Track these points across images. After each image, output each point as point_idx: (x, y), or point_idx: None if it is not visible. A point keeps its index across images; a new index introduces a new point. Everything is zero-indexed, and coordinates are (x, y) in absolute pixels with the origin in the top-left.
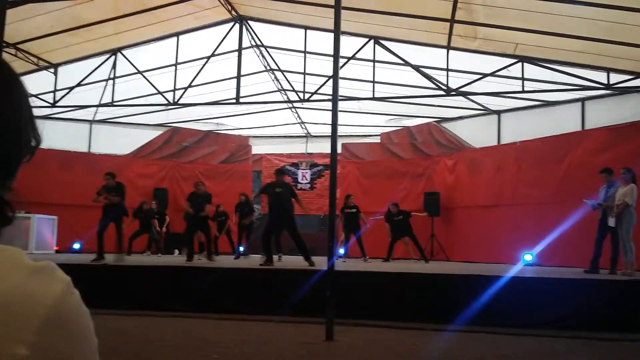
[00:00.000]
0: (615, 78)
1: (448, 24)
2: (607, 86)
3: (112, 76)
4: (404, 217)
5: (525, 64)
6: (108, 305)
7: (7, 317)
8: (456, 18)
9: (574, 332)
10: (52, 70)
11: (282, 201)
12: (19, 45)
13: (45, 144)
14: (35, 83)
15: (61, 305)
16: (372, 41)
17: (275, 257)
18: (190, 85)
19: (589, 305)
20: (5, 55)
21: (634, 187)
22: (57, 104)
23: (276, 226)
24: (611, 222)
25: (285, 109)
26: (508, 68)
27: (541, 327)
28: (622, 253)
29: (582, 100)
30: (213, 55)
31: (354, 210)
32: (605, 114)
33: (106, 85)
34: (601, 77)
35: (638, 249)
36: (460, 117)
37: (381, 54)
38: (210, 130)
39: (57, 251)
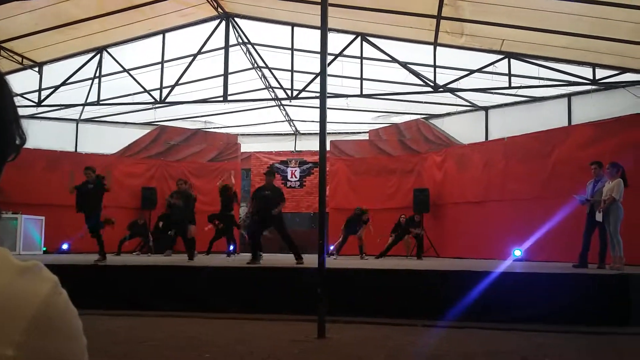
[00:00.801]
0: (600, 73)
1: (435, 20)
2: (593, 81)
3: (98, 74)
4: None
5: (511, 60)
6: (97, 306)
7: None
8: (442, 14)
9: (563, 326)
10: (36, 69)
11: (270, 205)
12: (3, 44)
13: (31, 144)
14: (20, 82)
15: (49, 305)
16: (359, 38)
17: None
18: (177, 83)
19: (578, 299)
20: None
21: (621, 181)
22: (43, 103)
23: (264, 228)
24: (598, 217)
25: (273, 106)
26: (495, 64)
27: (531, 321)
28: (610, 247)
29: (568, 95)
30: (200, 53)
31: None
32: (591, 109)
33: (92, 83)
34: (587, 72)
35: (626, 243)
36: (448, 114)
37: (368, 51)
38: (198, 129)
39: (45, 252)
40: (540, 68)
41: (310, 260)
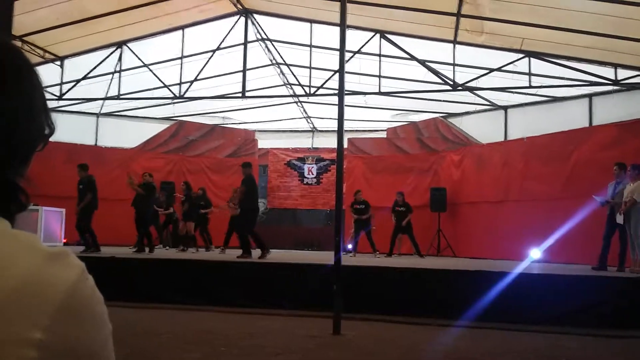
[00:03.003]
0: (623, 74)
1: (454, 18)
2: (615, 82)
3: (118, 69)
4: (405, 209)
5: (532, 59)
6: (115, 298)
7: (22, 302)
8: (462, 12)
9: (581, 328)
10: (58, 62)
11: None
12: (25, 38)
13: (52, 137)
14: (42, 76)
15: (76, 291)
16: (378, 35)
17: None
18: (196, 79)
19: (597, 302)
20: None
21: None
22: (64, 97)
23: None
24: (619, 219)
25: (291, 103)
26: (515, 63)
27: (548, 323)
28: (631, 250)
29: (590, 96)
30: (219, 48)
31: (363, 206)
32: (613, 110)
33: (112, 78)
34: (609, 72)
35: None
36: (467, 113)
37: (387, 48)
38: (217, 124)
39: (64, 244)
40: (561, 68)
41: (327, 257)
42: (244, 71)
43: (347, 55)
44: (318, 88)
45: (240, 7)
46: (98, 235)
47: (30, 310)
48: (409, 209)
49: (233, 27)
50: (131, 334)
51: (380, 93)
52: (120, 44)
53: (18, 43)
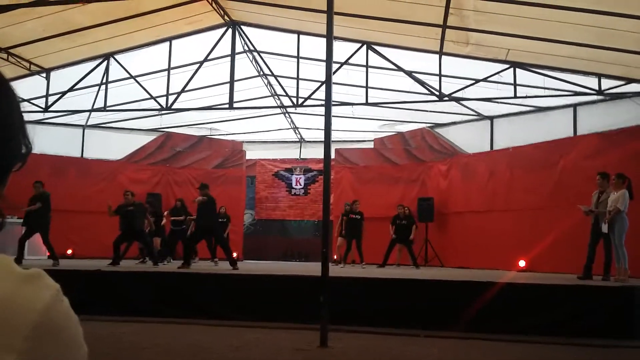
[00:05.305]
0: (606, 84)
1: (440, 29)
2: (599, 92)
3: (104, 81)
4: (407, 223)
5: (517, 69)
6: (102, 311)
7: None
8: (448, 24)
9: (567, 338)
10: (44, 75)
11: (205, 212)
12: (11, 50)
13: (37, 149)
14: (27, 88)
15: (50, 312)
16: (365, 46)
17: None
18: (183, 90)
19: (582, 311)
20: None
21: (626, 192)
22: (50, 109)
23: (203, 233)
24: (604, 228)
25: (278, 114)
26: (500, 73)
27: (534, 333)
28: (615, 259)
29: (574, 105)
30: (206, 60)
31: (358, 216)
32: (597, 119)
33: (99, 90)
34: (592, 82)
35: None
36: (453, 123)
37: (374, 59)
38: (204, 135)
39: (49, 257)
40: (546, 78)
41: (315, 268)
42: (231, 82)
43: (334, 66)
44: (305, 99)
45: (228, 19)
46: (85, 247)
47: (4, 333)
48: (410, 221)
49: (220, 38)
50: (116, 348)
51: (367, 104)
52: (107, 56)
53: (3, 55)
